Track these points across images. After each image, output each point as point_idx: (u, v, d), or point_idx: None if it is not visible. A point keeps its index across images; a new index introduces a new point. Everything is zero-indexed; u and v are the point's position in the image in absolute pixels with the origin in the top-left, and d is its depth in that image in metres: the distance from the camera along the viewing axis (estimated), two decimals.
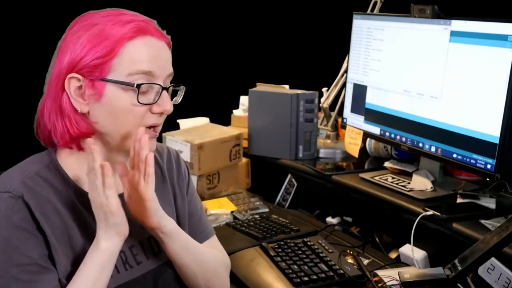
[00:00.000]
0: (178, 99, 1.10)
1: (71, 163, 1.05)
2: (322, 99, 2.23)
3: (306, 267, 1.44)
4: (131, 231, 1.07)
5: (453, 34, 1.59)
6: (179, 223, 1.19)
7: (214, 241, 1.30)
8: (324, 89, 2.25)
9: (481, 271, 1.33)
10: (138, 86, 0.99)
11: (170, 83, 1.07)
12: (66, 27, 1.05)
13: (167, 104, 1.03)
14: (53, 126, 1.03)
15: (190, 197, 1.27)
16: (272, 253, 1.53)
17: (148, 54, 1.00)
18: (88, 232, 1.02)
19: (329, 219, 1.87)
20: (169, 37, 1.07)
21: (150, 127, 1.04)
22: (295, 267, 1.45)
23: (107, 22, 1.00)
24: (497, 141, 1.47)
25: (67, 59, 1.00)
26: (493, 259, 1.29)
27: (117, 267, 1.04)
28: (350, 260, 1.52)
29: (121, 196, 1.06)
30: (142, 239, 1.11)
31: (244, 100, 2.39)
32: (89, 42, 0.99)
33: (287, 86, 2.31)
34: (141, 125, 1.01)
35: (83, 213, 1.03)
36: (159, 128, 1.07)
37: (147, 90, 1.01)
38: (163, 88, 1.03)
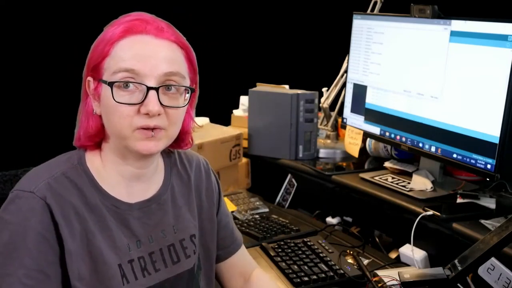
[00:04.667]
0: (181, 102, 1.02)
1: (98, 164, 1.05)
2: (322, 99, 2.23)
3: (306, 267, 1.44)
4: (153, 237, 1.08)
5: (453, 34, 1.59)
6: (202, 235, 1.19)
7: (243, 249, 1.31)
8: (324, 89, 2.25)
9: (481, 271, 1.33)
10: (111, 84, 0.97)
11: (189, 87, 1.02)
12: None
13: (150, 105, 0.96)
14: (81, 126, 1.05)
15: (222, 209, 1.26)
16: (272, 253, 1.53)
17: (133, 52, 0.98)
18: (109, 237, 1.02)
19: (329, 219, 1.87)
20: (180, 37, 1.03)
21: (145, 129, 0.99)
22: (295, 267, 1.45)
23: (113, 24, 1.01)
24: (497, 141, 1.47)
25: (86, 62, 1.03)
26: (493, 259, 1.29)
27: (135, 274, 1.04)
28: (350, 260, 1.52)
29: (143, 203, 1.08)
30: (163, 246, 1.10)
31: (244, 100, 2.39)
32: (95, 44, 1.01)
33: (287, 86, 2.31)
34: (132, 126, 0.98)
35: (106, 217, 1.03)
36: (164, 132, 1.00)
37: (133, 90, 0.97)
38: (149, 88, 0.97)
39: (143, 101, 0.97)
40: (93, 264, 1.00)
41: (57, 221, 0.97)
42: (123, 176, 1.06)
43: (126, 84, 0.97)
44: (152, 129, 0.98)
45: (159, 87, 0.98)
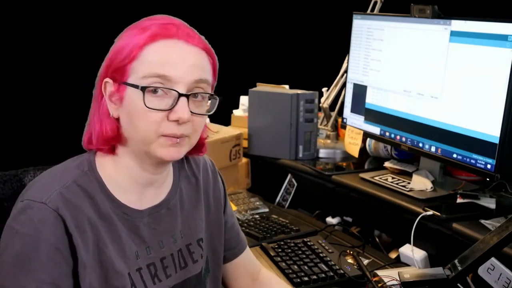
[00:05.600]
0: (211, 110, 1.03)
1: (110, 169, 1.03)
2: (322, 99, 2.23)
3: (306, 267, 1.45)
4: (164, 242, 1.07)
5: (453, 34, 1.60)
6: (210, 237, 1.17)
7: (248, 250, 1.31)
8: (324, 89, 2.25)
9: (481, 271, 1.33)
10: (143, 88, 0.94)
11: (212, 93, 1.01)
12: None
13: (181, 112, 0.95)
14: (93, 128, 1.02)
15: (228, 210, 1.25)
16: (272, 253, 1.53)
17: (166, 57, 0.96)
18: (119, 245, 1.01)
19: (329, 219, 1.87)
20: (207, 44, 1.02)
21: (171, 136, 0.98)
22: (295, 267, 1.45)
23: (138, 26, 0.99)
24: (497, 141, 1.47)
25: (104, 63, 1.00)
26: (493, 259, 1.29)
27: (144, 282, 1.03)
28: (350, 260, 1.52)
29: (152, 208, 1.06)
30: (173, 252, 1.09)
31: (244, 100, 2.39)
32: (118, 46, 0.98)
33: (287, 86, 2.31)
34: (158, 132, 0.96)
35: (116, 225, 1.01)
36: (187, 139, 1.00)
37: (162, 95, 0.96)
38: (181, 95, 0.96)
39: (173, 107, 0.96)
40: (103, 274, 0.98)
41: (71, 232, 0.95)
42: (138, 182, 1.04)
43: (155, 90, 0.95)
44: (178, 136, 0.97)
45: (189, 94, 0.97)
